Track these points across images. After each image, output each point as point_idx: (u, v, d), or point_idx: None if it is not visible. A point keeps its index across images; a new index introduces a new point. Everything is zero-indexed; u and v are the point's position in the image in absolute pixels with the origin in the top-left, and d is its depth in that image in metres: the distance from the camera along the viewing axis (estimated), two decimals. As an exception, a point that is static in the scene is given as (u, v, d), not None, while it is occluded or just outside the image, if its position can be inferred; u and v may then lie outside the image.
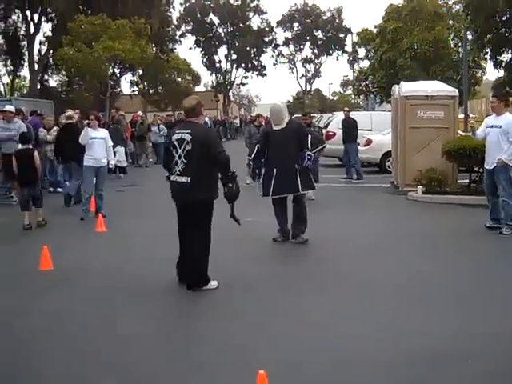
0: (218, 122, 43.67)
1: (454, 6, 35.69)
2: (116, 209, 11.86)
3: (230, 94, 72.88)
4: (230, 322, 5.58)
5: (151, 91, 46.44)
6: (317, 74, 74.15)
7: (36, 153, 10.67)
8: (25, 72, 42.90)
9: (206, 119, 28.99)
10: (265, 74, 68.16)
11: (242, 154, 9.78)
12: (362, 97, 50.42)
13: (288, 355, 4.73)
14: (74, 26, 30.46)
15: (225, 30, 66.45)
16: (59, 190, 14.82)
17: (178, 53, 51.12)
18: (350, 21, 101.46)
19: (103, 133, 11.55)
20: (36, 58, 36.65)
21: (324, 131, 20.18)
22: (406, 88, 14.70)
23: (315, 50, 71.64)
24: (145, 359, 4.72)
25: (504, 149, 9.12)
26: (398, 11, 35.77)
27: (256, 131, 16.33)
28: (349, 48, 61.54)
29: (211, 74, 67.72)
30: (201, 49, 65.37)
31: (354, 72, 50.61)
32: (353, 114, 18.80)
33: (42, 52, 37.73)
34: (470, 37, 26.18)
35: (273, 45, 69.70)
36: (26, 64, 37.59)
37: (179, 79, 47.24)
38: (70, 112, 14.25)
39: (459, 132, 14.53)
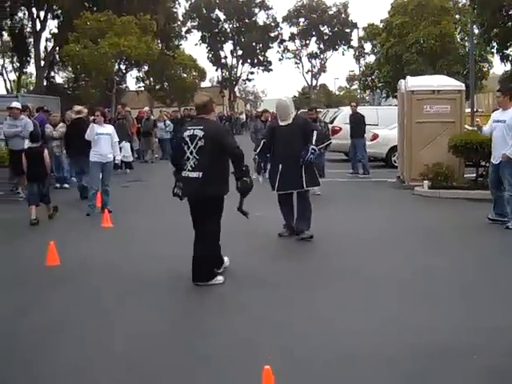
0: (223, 118, 43.69)
1: (460, -1, 35.57)
2: (122, 204, 11.89)
3: (236, 89, 72.86)
4: (235, 317, 5.59)
5: (157, 87, 46.47)
6: (323, 69, 74.03)
7: (46, 151, 10.88)
8: (31, 69, 43.07)
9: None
10: (271, 70, 68.09)
11: (249, 149, 9.77)
12: (368, 92, 50.31)
13: (294, 350, 4.74)
14: (79, 23, 30.49)
15: (230, 25, 66.38)
16: (66, 185, 14.89)
17: (184, 49, 51.22)
18: (355, 16, 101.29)
19: (109, 129, 11.58)
20: (42, 54, 36.72)
21: (330, 126, 20.16)
22: (412, 82, 14.65)
23: (321, 45, 71.49)
24: (151, 354, 4.73)
25: (509, 144, 9.10)
26: (404, 6, 35.64)
27: (262, 126, 16.32)
28: (355, 43, 61.53)
29: (217, 70, 67.77)
30: (206, 45, 65.33)
31: (360, 67, 50.49)
32: (359, 109, 18.78)
33: (48, 49, 37.80)
34: (476, 31, 26.03)
35: (279, 40, 69.61)
36: (33, 61, 37.66)
37: (185, 75, 47.22)
38: (79, 107, 14.27)
39: (466, 126, 14.46)
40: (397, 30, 35.08)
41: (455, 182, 13.20)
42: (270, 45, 68.32)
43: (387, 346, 4.76)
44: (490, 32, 24.30)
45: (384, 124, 19.74)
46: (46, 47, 37.99)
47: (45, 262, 7.43)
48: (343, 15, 69.85)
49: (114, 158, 11.50)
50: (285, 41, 70.58)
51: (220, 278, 6.57)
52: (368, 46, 48.46)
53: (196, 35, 68.57)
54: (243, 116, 55.49)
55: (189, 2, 63.13)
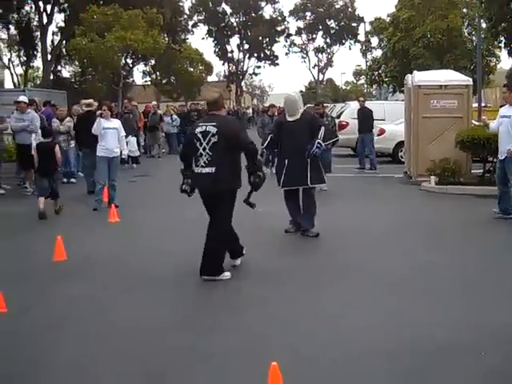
0: (230, 113, 43.61)
1: (468, -7, 35.34)
2: (129, 199, 11.91)
3: (243, 83, 72.77)
4: (241, 313, 5.60)
5: (164, 81, 46.44)
6: (329, 63, 73.85)
7: (57, 147, 11.03)
8: (38, 63, 43.03)
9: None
10: (277, 64, 67.93)
11: (256, 143, 9.75)
12: (374, 86, 50.13)
13: (300, 346, 4.75)
14: (86, 17, 30.48)
15: (237, 19, 66.22)
16: (72, 180, 14.92)
17: (191, 43, 51.14)
18: (362, 10, 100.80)
19: (116, 123, 11.59)
20: (49, 48, 36.72)
21: (337, 121, 20.12)
22: (419, 77, 14.60)
23: (328, 40, 71.28)
24: (156, 350, 4.74)
25: None
26: (411, 0, 35.47)
27: (269, 121, 16.30)
28: (361, 37, 61.28)
29: (223, 64, 67.68)
30: (213, 39, 65.22)
31: (366, 61, 50.31)
32: (366, 104, 18.71)
33: (55, 42, 37.80)
34: (484, 25, 25.90)
35: (285, 34, 69.42)
36: (39, 55, 37.68)
37: (191, 69, 47.17)
38: (89, 100, 14.29)
39: (473, 121, 14.41)
40: (404, 24, 34.92)
41: (462, 177, 13.16)
42: (277, 39, 68.15)
43: (391, 342, 4.76)
44: (497, 26, 24.19)
45: (391, 119, 19.68)
46: (52, 41, 38.03)
47: (52, 256, 7.45)
48: (350, 9, 69.59)
49: (121, 152, 11.53)
50: (291, 35, 70.43)
51: (227, 274, 6.59)
52: (375, 41, 48.27)
53: (202, 29, 68.44)
54: (250, 110, 55.45)
55: (195, -4, 63.02)
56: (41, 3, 35.27)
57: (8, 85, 41.36)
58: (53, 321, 5.45)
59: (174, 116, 24.65)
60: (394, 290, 6.15)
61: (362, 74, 62.69)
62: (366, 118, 17.35)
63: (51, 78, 36.84)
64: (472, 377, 4.21)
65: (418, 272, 6.77)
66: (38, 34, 37.09)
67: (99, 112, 11.66)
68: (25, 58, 40.00)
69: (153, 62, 41.22)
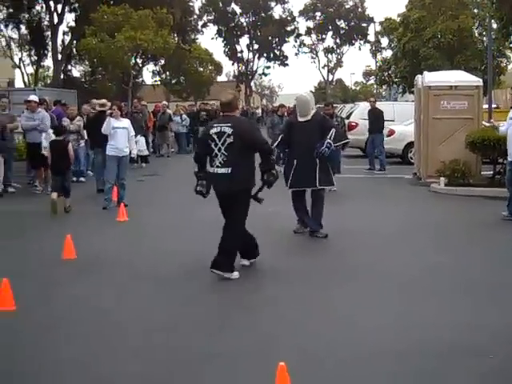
0: (239, 113, 43.59)
1: (478, -6, 35.21)
2: (138, 198, 11.93)
3: (252, 84, 72.76)
4: (249, 313, 5.61)
5: (173, 81, 46.48)
6: (339, 63, 73.72)
7: (70, 145, 11.22)
8: (48, 62, 43.20)
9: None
10: (287, 64, 67.84)
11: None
12: (384, 87, 49.98)
13: (308, 346, 4.74)
14: (96, 17, 30.55)
15: (247, 19, 66.20)
16: (82, 179, 14.96)
17: (200, 43, 51.09)
18: (372, 10, 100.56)
19: (125, 122, 11.62)
20: (59, 48, 36.82)
21: (346, 121, 20.08)
22: (429, 78, 14.55)
23: (337, 40, 71.17)
24: (163, 349, 4.75)
25: None
26: (422, 0, 35.36)
27: (279, 121, 16.31)
28: (371, 37, 61.14)
29: (233, 64, 67.64)
30: (223, 39, 65.24)
31: (376, 62, 50.18)
32: (376, 105, 18.64)
33: (66, 42, 37.91)
34: (494, 25, 25.77)
35: (295, 34, 69.34)
36: (50, 54, 37.78)
37: (201, 69, 47.19)
38: (102, 100, 14.34)
39: (483, 123, 14.35)
40: (414, 24, 34.81)
41: (472, 179, 13.11)
42: (286, 39, 68.06)
43: (400, 343, 4.75)
44: (508, 27, 24.03)
45: (400, 120, 19.61)
46: (63, 41, 38.11)
47: (61, 255, 7.48)
48: (360, 9, 69.43)
49: (130, 152, 11.56)
50: (301, 35, 70.35)
51: (235, 274, 6.60)
52: (385, 41, 48.17)
53: (212, 29, 68.35)
54: (259, 111, 55.43)
55: (205, -4, 63.07)
56: (51, 3, 35.37)
57: (19, 84, 41.53)
58: (59, 319, 5.46)
59: (184, 116, 24.70)
60: (402, 291, 6.14)
61: (372, 74, 62.60)
62: (376, 119, 17.27)
63: (61, 77, 36.94)
64: (479, 379, 4.19)
65: (427, 273, 6.75)
66: (49, 33, 37.20)
67: (109, 111, 11.70)
68: (35, 58, 40.11)
69: (162, 61, 41.24)
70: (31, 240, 8.82)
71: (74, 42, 36.32)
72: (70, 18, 52.36)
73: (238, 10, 65.56)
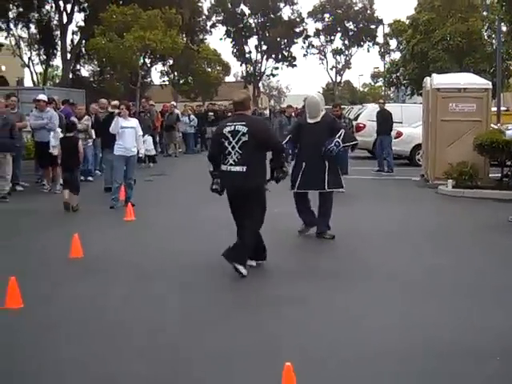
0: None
1: (488, -4, 35.10)
2: (145, 198, 11.96)
3: (260, 84, 72.75)
4: (255, 312, 5.61)
5: (181, 81, 46.55)
6: (347, 65, 73.54)
7: (80, 142, 11.41)
8: (57, 61, 43.31)
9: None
10: (295, 65, 67.72)
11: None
12: (392, 89, 49.93)
13: (311, 346, 4.74)
14: (105, 16, 30.65)
15: (255, 20, 66.18)
16: (90, 178, 14.99)
17: (209, 43, 51.14)
18: (381, 12, 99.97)
19: (133, 122, 11.63)
20: (68, 47, 36.95)
21: (354, 123, 20.06)
22: (437, 80, 14.52)
23: (346, 41, 71.05)
24: (168, 349, 4.76)
25: None
26: (431, 2, 35.28)
27: (287, 122, 16.31)
28: (380, 39, 61.02)
29: (241, 65, 67.60)
30: (231, 39, 65.26)
31: (384, 64, 50.13)
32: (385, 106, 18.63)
33: (75, 42, 38.04)
34: (504, 28, 25.72)
35: (303, 36, 69.26)
36: (59, 54, 37.93)
37: (209, 69, 47.25)
38: (115, 101, 14.41)
39: (492, 125, 14.30)
40: (423, 26, 34.77)
41: (480, 181, 13.07)
42: (295, 40, 67.98)
43: (404, 344, 4.74)
44: (518, 30, 23.99)
45: (408, 122, 19.58)
46: (72, 40, 38.23)
47: (68, 254, 7.50)
48: (369, 11, 69.26)
49: (138, 151, 11.58)
50: (309, 36, 70.23)
51: (244, 271, 6.61)
52: (393, 43, 48.09)
53: (221, 30, 68.31)
54: (267, 111, 55.41)
55: (214, -3, 63.08)
56: (61, 2, 35.52)
57: (28, 83, 41.71)
58: (64, 318, 5.46)
59: (192, 116, 24.76)
60: (406, 291, 6.14)
61: (380, 76, 62.51)
62: (385, 120, 17.25)
63: (70, 76, 37.07)
64: (484, 381, 4.18)
65: (431, 275, 6.74)
66: (58, 33, 37.34)
67: (117, 111, 11.73)
68: (44, 57, 40.26)
69: (171, 61, 41.32)
70: (39, 238, 8.85)
71: (83, 41, 36.46)
72: (79, 18, 52.48)
73: (246, 10, 65.58)
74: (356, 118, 21.59)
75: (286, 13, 69.81)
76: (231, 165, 6.70)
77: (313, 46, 71.15)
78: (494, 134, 12.94)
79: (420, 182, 14.79)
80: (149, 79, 43.43)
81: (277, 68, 68.41)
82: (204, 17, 52.08)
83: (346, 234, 8.78)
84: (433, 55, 33.84)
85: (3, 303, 5.61)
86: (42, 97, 14.08)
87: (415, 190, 13.80)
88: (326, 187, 8.47)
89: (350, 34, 70.24)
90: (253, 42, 66.94)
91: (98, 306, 5.81)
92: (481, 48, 33.85)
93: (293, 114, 18.33)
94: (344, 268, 7.15)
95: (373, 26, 68.14)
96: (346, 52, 72.34)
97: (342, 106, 17.58)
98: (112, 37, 30.31)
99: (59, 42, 37.33)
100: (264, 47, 66.55)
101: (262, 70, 68.30)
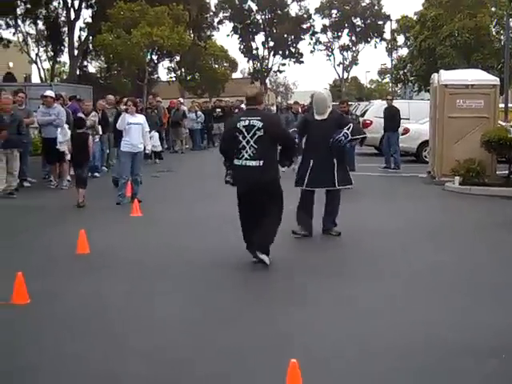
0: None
1: (497, -8, 34.91)
2: (151, 194, 11.98)
3: (267, 81, 72.67)
4: (260, 310, 5.61)
5: (188, 78, 46.58)
6: (354, 61, 73.44)
7: (90, 138, 11.54)
8: (65, 58, 43.42)
9: (243, 106, 29.03)
10: (302, 62, 67.68)
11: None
12: (399, 85, 49.78)
13: (316, 344, 4.74)
14: (113, 13, 30.70)
15: (263, 16, 66.14)
16: (96, 174, 15.03)
17: (216, 39, 51.15)
18: (389, 7, 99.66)
19: (140, 118, 11.64)
20: (76, 43, 37.06)
21: (361, 119, 20.02)
22: (445, 76, 14.47)
23: (353, 38, 70.90)
24: (177, 343, 4.78)
25: None
26: (440, -2, 35.13)
27: (293, 118, 16.30)
28: (387, 35, 60.85)
29: (248, 61, 67.62)
30: (238, 35, 65.24)
31: (392, 60, 49.97)
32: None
33: (82, 38, 38.15)
34: (512, 24, 25.55)
35: (310, 32, 69.16)
36: (66, 50, 38.05)
37: (216, 66, 47.26)
38: (127, 99, 14.40)
39: (500, 122, 14.24)
40: (431, 22, 34.61)
41: (487, 178, 13.03)
42: (302, 36, 67.91)
43: (406, 342, 4.74)
44: (526, 25, 23.84)
45: (415, 118, 19.53)
46: (79, 36, 38.35)
47: (75, 249, 7.52)
48: (376, 7, 69.09)
49: (145, 147, 11.60)
50: (317, 33, 70.13)
51: (267, 259, 6.80)
52: (401, 39, 47.96)
53: (228, 26, 68.32)
54: (274, 108, 55.39)
55: (221, -7, 63.05)
56: (69, -1, 35.62)
57: (35, 79, 41.83)
58: (69, 315, 5.46)
59: (199, 112, 24.77)
60: (409, 288, 6.14)
61: (387, 72, 62.37)
62: (392, 117, 17.16)
63: (77, 73, 37.19)
64: (482, 379, 4.19)
65: (437, 272, 6.73)
66: (66, 29, 37.46)
67: (124, 107, 11.75)
68: (52, 53, 40.40)
69: (178, 58, 41.36)
70: (46, 234, 8.88)
71: (91, 37, 36.55)
72: (86, 14, 52.47)
73: (254, 7, 65.54)
74: (363, 115, 21.55)
75: (293, 9, 69.98)
76: (246, 159, 6.75)
77: (320, 42, 71.07)
78: (501, 130, 12.90)
79: (427, 179, 14.75)
80: (156, 75, 43.51)
81: (284, 64, 68.41)
82: (211, 13, 52.15)
83: (353, 230, 8.77)
84: (440, 51, 33.69)
85: (10, 299, 5.64)
86: (50, 93, 14.12)
87: (422, 187, 13.76)
88: (337, 185, 8.38)
89: (358, 30, 70.08)
90: (260, 38, 66.97)
91: (104, 302, 5.83)
92: (489, 44, 33.68)
93: (299, 110, 18.33)
94: (350, 265, 7.16)
95: (380, 22, 67.99)
96: (353, 48, 72.23)
97: (349, 103, 17.52)
98: (119, 33, 30.37)
99: (67, 39, 37.45)
100: (271, 43, 66.51)
101: (269, 66, 68.27)
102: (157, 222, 9.69)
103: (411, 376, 4.24)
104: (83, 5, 36.50)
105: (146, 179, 12.54)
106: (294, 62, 67.90)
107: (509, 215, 9.71)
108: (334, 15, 69.93)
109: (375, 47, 74.71)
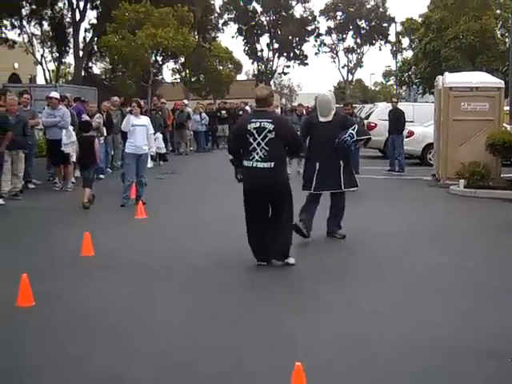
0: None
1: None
2: (156, 196, 12.00)
3: (272, 83, 72.68)
4: (264, 312, 5.61)
5: (193, 79, 46.62)
6: (359, 63, 73.40)
7: (96, 140, 11.67)
8: (70, 59, 43.48)
9: (247, 108, 29.03)
10: (306, 64, 67.64)
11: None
12: (404, 87, 49.76)
13: (323, 346, 4.74)
14: (118, 14, 30.73)
15: (267, 18, 66.16)
16: (101, 176, 15.05)
17: (220, 41, 51.24)
18: (393, 10, 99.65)
19: (145, 120, 11.64)
20: (81, 45, 37.11)
21: (365, 122, 20.00)
22: (449, 79, 14.46)
23: (358, 40, 70.87)
24: (180, 345, 4.78)
25: None
26: (445, 0, 35.11)
27: (297, 120, 16.28)
28: (392, 38, 60.78)
29: (253, 63, 67.62)
30: (243, 37, 65.27)
31: (396, 62, 49.94)
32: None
33: (87, 39, 38.21)
34: (517, 27, 25.54)
35: (315, 34, 69.15)
36: (71, 51, 38.10)
37: (221, 67, 47.28)
38: (136, 99, 14.43)
39: (504, 125, 14.22)
40: (436, 24, 34.62)
41: (492, 181, 13.01)
42: (307, 38, 67.90)
43: (408, 344, 4.73)
44: (531, 28, 23.82)
45: (420, 121, 19.51)
46: (84, 38, 38.39)
47: (80, 252, 7.53)
48: (381, 9, 69.05)
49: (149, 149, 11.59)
50: (321, 35, 70.13)
51: (292, 260, 6.98)
52: (405, 41, 47.94)
53: (233, 27, 68.25)
54: (278, 110, 55.39)
55: (226, -5, 63.08)
56: (74, 0, 35.68)
57: (40, 80, 41.89)
58: (73, 317, 5.47)
59: (203, 114, 24.78)
60: (412, 290, 6.14)
61: (392, 74, 62.31)
62: (397, 119, 17.12)
63: (82, 74, 37.23)
64: (483, 381, 4.19)
65: (441, 275, 6.73)
66: (71, 30, 37.49)
67: (129, 109, 11.77)
68: (57, 54, 40.45)
69: (182, 59, 41.38)
70: (50, 236, 8.89)
71: (96, 39, 36.58)
72: (91, 15, 52.67)
73: (258, 8, 65.56)
74: (367, 117, 21.53)
75: (298, 11, 69.90)
76: (257, 161, 6.78)
77: (325, 44, 71.04)
78: (506, 133, 12.88)
79: (431, 182, 14.74)
80: (160, 77, 43.51)
81: (288, 66, 68.37)
82: (216, 14, 52.17)
83: (357, 233, 8.77)
84: (445, 54, 33.70)
85: (15, 301, 5.65)
86: (55, 94, 14.14)
87: (426, 190, 13.75)
88: (343, 187, 8.39)
89: (362, 32, 70.04)
90: (264, 40, 66.93)
91: (108, 304, 5.83)
92: (494, 46, 33.67)
93: (304, 113, 18.33)
94: (354, 267, 7.17)
95: (385, 25, 67.92)
96: (358, 50, 72.19)
97: (353, 105, 17.49)
98: (124, 34, 30.42)
99: (72, 40, 37.49)
100: (276, 45, 66.49)
101: (274, 68, 68.26)
102: (161, 224, 9.70)
103: (414, 378, 4.25)
104: (88, 6, 36.55)
105: (150, 181, 12.55)
106: (299, 63, 67.87)
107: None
108: (338, 17, 69.90)
109: (380, 49, 74.79)
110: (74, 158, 13.33)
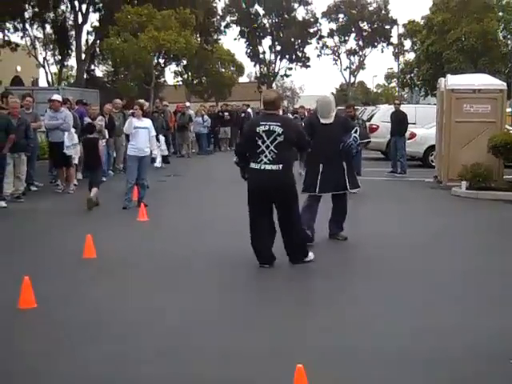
0: (260, 113, 43.58)
1: (504, -3, 34.88)
2: (158, 198, 12.01)
3: (274, 85, 72.70)
4: (269, 312, 5.61)
5: (195, 82, 46.66)
6: (361, 66, 73.37)
7: (100, 142, 11.82)
8: (72, 62, 43.60)
9: (249, 110, 29.05)
10: (309, 66, 67.62)
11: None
12: (406, 90, 49.75)
13: (326, 348, 4.73)
14: (120, 17, 30.79)
15: (269, 20, 66.18)
16: (103, 179, 15.05)
17: (223, 43, 51.28)
18: (396, 12, 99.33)
19: (147, 122, 11.64)
20: (83, 47, 37.18)
21: (367, 124, 20.00)
22: (452, 81, 14.45)
23: (360, 42, 70.86)
24: (182, 347, 4.78)
25: None
26: (447, 2, 35.12)
27: (300, 123, 16.29)
28: (394, 40, 60.82)
29: (255, 65, 67.62)
30: (245, 39, 65.29)
31: (398, 64, 49.94)
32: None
33: (89, 42, 38.27)
34: (519, 29, 25.53)
35: (317, 36, 69.14)
36: (74, 54, 38.18)
37: (223, 70, 47.33)
38: (141, 100, 14.48)
39: (507, 127, 14.21)
40: (438, 27, 34.62)
41: (494, 183, 12.99)
42: (309, 41, 67.89)
43: (415, 347, 4.73)
44: (533, 30, 23.82)
45: (422, 123, 19.51)
46: (87, 40, 38.46)
47: (82, 254, 7.54)
48: (383, 11, 69.02)
49: (151, 152, 11.60)
50: (323, 37, 70.09)
51: (311, 255, 7.17)
52: (408, 44, 47.95)
53: (235, 30, 68.13)
54: (280, 112, 55.39)
55: (228, -3, 63.13)
56: (76, 3, 35.73)
57: (42, 83, 41.95)
58: (75, 319, 5.45)
59: (206, 116, 24.79)
60: (417, 293, 6.12)
61: (394, 77, 62.32)
62: (400, 121, 17.09)
63: (84, 77, 37.27)
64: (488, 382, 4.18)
65: (444, 276, 6.71)
66: (73, 33, 37.58)
67: (131, 111, 11.78)
68: (59, 57, 40.51)
69: (185, 62, 41.43)
70: (52, 238, 8.90)
71: (98, 41, 36.66)
72: (94, 18, 52.77)
73: (261, 11, 65.58)
74: (369, 119, 21.53)
75: (300, 13, 69.75)
76: (266, 163, 6.83)
77: (327, 46, 70.96)
78: (508, 135, 12.87)
79: (433, 184, 14.73)
80: (162, 79, 43.54)
81: (290, 69, 68.29)
82: (218, 17, 52.18)
83: (359, 234, 8.77)
84: (447, 56, 33.70)
85: (17, 303, 5.66)
86: (57, 97, 14.17)
87: (428, 192, 13.74)
88: (349, 188, 8.40)
89: (365, 34, 70.02)
90: (267, 42, 66.88)
91: (111, 307, 5.83)
92: (496, 48, 33.67)
93: (306, 115, 18.33)
94: (357, 269, 7.18)
95: (387, 27, 67.87)
96: (360, 52, 72.12)
97: (356, 107, 17.47)
98: (126, 37, 30.47)
99: (74, 42, 37.58)
100: (278, 48, 66.48)
101: (276, 70, 68.23)
102: (163, 227, 9.71)
103: (416, 379, 4.23)
104: (91, 9, 36.63)
105: (152, 183, 12.57)
106: (301, 66, 67.84)
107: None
108: (340, 19, 69.91)
109: (382, 52, 74.49)
110: (76, 161, 13.36)
